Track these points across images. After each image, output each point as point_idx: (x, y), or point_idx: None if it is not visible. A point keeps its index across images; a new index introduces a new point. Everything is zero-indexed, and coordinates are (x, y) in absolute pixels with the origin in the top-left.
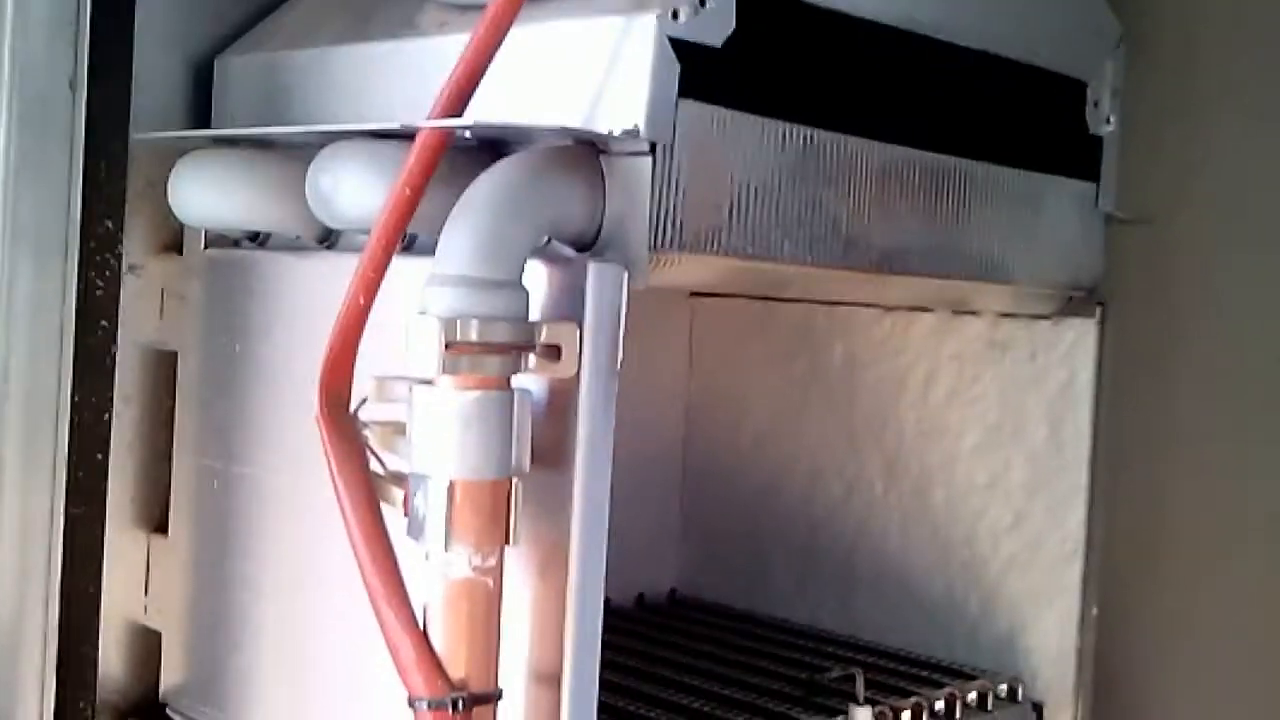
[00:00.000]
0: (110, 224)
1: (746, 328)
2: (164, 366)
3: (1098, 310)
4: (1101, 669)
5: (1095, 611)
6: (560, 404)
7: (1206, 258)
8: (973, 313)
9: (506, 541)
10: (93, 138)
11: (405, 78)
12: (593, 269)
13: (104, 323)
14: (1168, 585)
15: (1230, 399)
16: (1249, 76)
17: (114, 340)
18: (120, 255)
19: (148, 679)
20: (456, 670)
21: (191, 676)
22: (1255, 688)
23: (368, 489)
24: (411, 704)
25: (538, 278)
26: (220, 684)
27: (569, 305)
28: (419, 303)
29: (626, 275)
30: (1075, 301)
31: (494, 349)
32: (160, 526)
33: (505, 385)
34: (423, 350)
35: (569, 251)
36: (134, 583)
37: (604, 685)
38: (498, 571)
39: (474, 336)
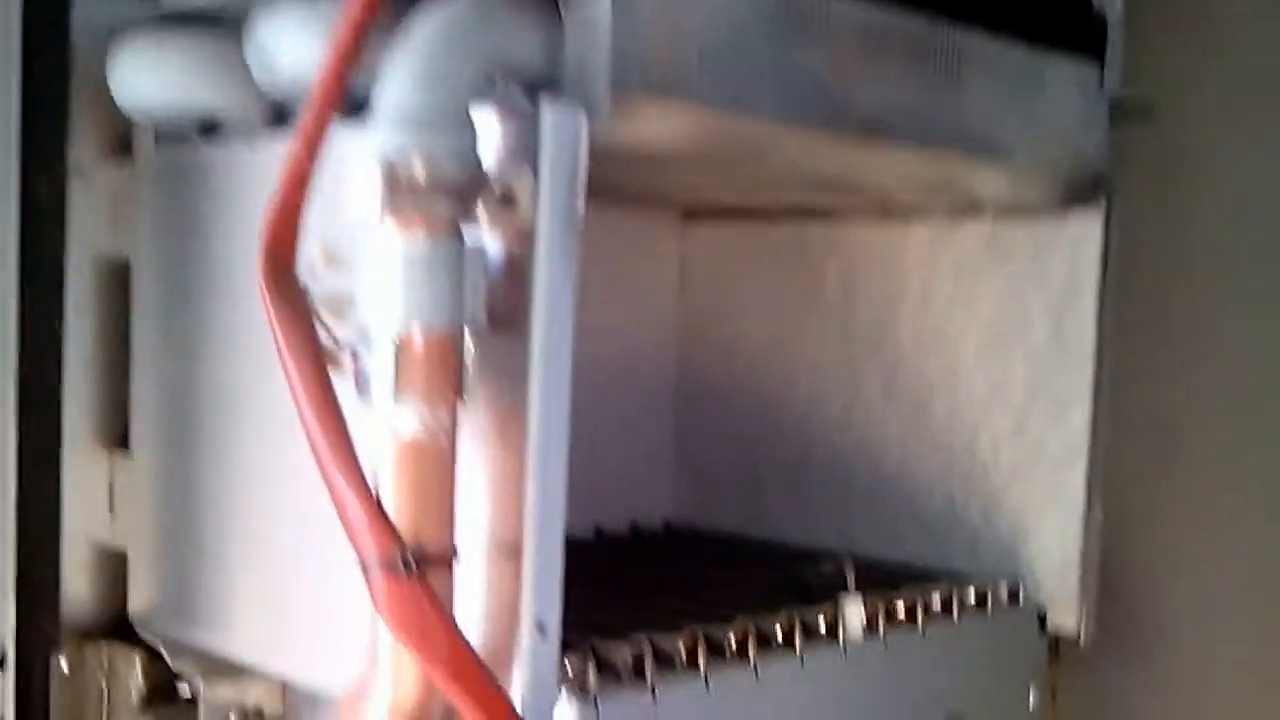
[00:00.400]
0: (52, 122)
1: (739, 251)
2: (119, 277)
3: (1103, 202)
4: (1107, 575)
5: (1100, 515)
6: (518, 261)
7: (1216, 146)
8: (971, 217)
9: (460, 399)
10: (31, 32)
11: None
12: (548, 111)
13: (51, 230)
14: (1175, 488)
15: (1241, 292)
16: None
17: (63, 248)
18: (66, 159)
19: (115, 601)
20: (409, 532)
21: (161, 595)
22: (1263, 592)
23: (314, 354)
24: (363, 569)
25: (489, 123)
26: (192, 599)
27: (524, 152)
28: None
29: (585, 119)
30: (1079, 192)
31: (441, 189)
32: (123, 443)
33: (455, 232)
34: (363, 191)
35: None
36: (98, 502)
37: (591, 601)
38: (450, 430)
39: (418, 175)
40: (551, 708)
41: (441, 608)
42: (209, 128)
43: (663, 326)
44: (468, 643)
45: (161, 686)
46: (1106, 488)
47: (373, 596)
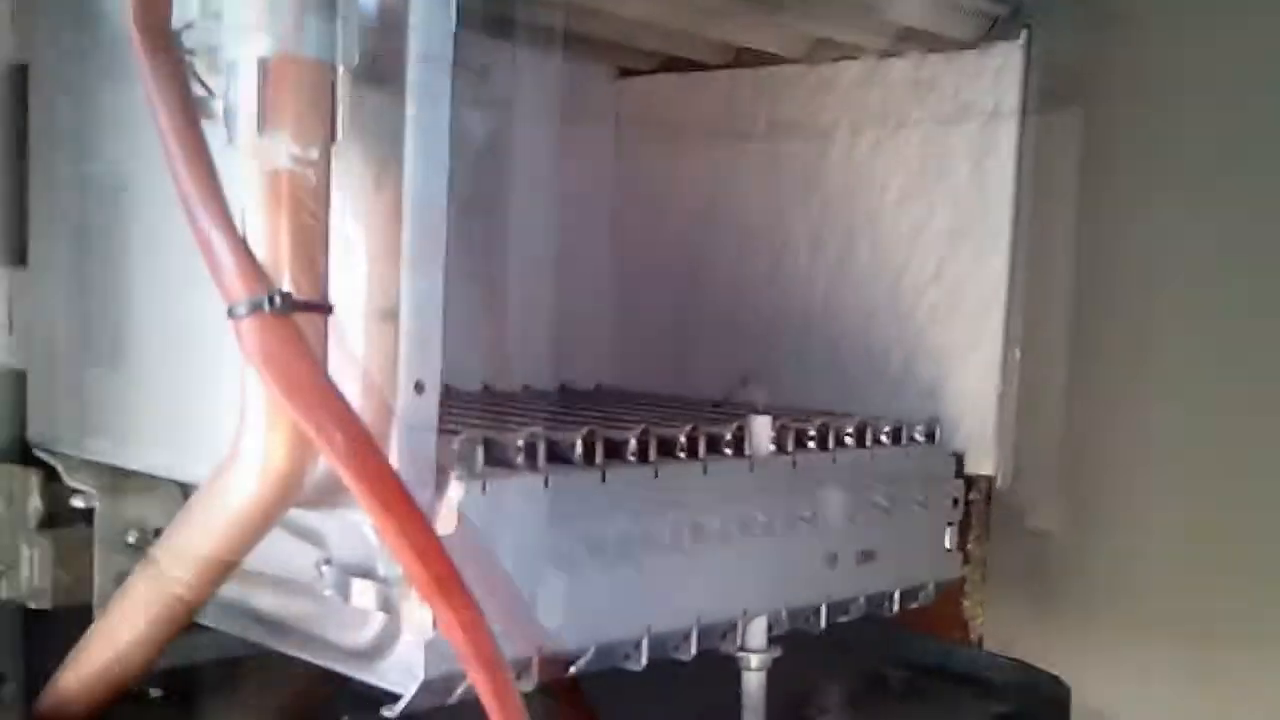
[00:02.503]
0: None
1: (672, 104)
2: (17, 84)
3: (1023, 33)
4: (1025, 422)
5: (1017, 359)
6: (394, 12)
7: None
8: (899, 55)
9: (332, 137)
10: None
11: None
12: None
13: None
14: (1094, 332)
15: (1167, 131)
16: None
17: None
18: None
19: (15, 423)
20: (279, 273)
21: (60, 411)
22: (1178, 430)
23: (182, 96)
24: (230, 313)
25: None
26: (92, 413)
27: None
28: None
29: None
30: (1000, 21)
31: None
32: (22, 261)
33: None
34: None
35: None
36: None
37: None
38: (323, 167)
39: None
40: (429, 471)
41: (310, 351)
42: None
43: (599, 187)
44: (337, 389)
45: (61, 508)
46: (1026, 329)
47: (240, 341)
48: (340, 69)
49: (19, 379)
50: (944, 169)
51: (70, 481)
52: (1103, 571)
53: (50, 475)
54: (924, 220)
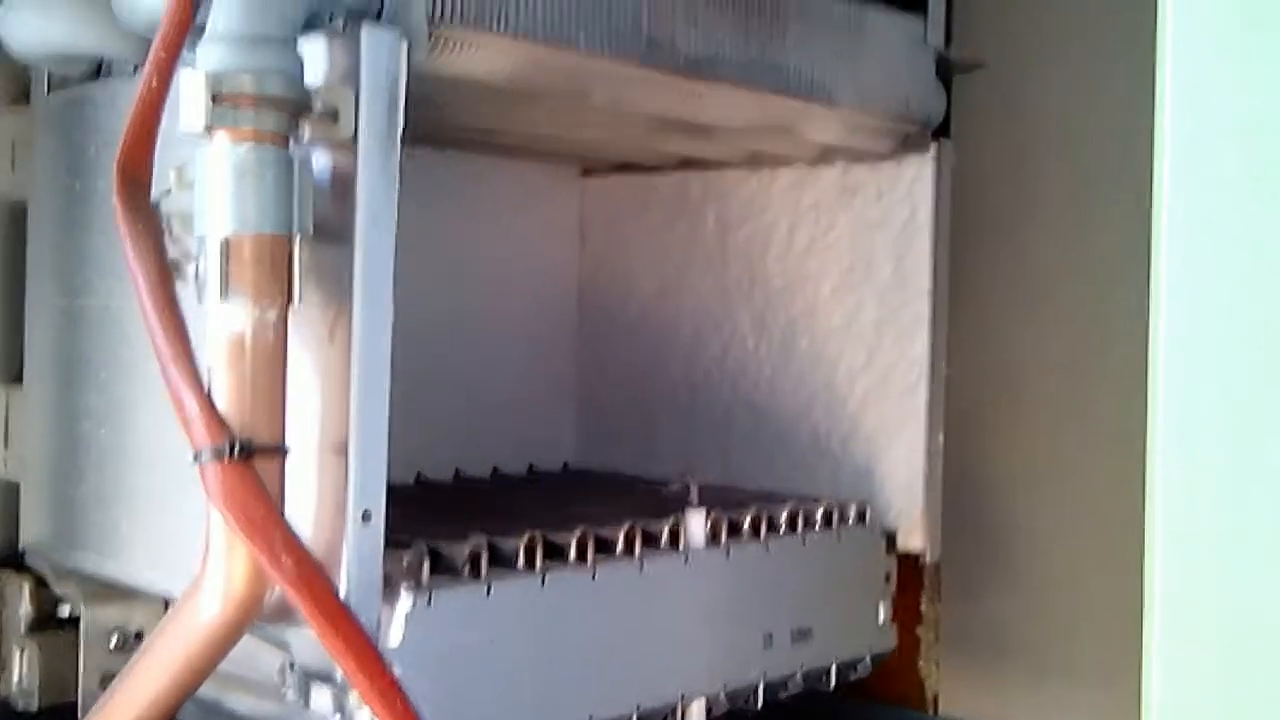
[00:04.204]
0: None
1: (631, 203)
2: (18, 218)
3: (933, 146)
4: (953, 498)
5: (941, 439)
6: (342, 174)
7: (1046, 96)
8: (826, 163)
9: (289, 300)
10: None
11: None
12: (368, 34)
13: None
14: (1019, 414)
15: (1076, 226)
16: None
17: None
18: None
19: (9, 532)
20: (238, 423)
21: (50, 523)
22: (1105, 510)
23: (159, 264)
24: (195, 458)
25: (317, 48)
26: (79, 526)
27: (348, 75)
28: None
29: (406, 44)
30: (912, 138)
31: (267, 103)
32: (19, 379)
33: (281, 144)
34: (191, 103)
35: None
36: None
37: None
38: (280, 327)
39: (245, 89)
40: (375, 593)
41: (265, 492)
42: (98, 71)
43: (564, 276)
44: (289, 525)
45: (49, 612)
46: (953, 414)
47: (204, 484)
48: (298, 237)
49: (13, 491)
50: (870, 267)
51: (57, 589)
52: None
53: (40, 582)
54: (854, 313)
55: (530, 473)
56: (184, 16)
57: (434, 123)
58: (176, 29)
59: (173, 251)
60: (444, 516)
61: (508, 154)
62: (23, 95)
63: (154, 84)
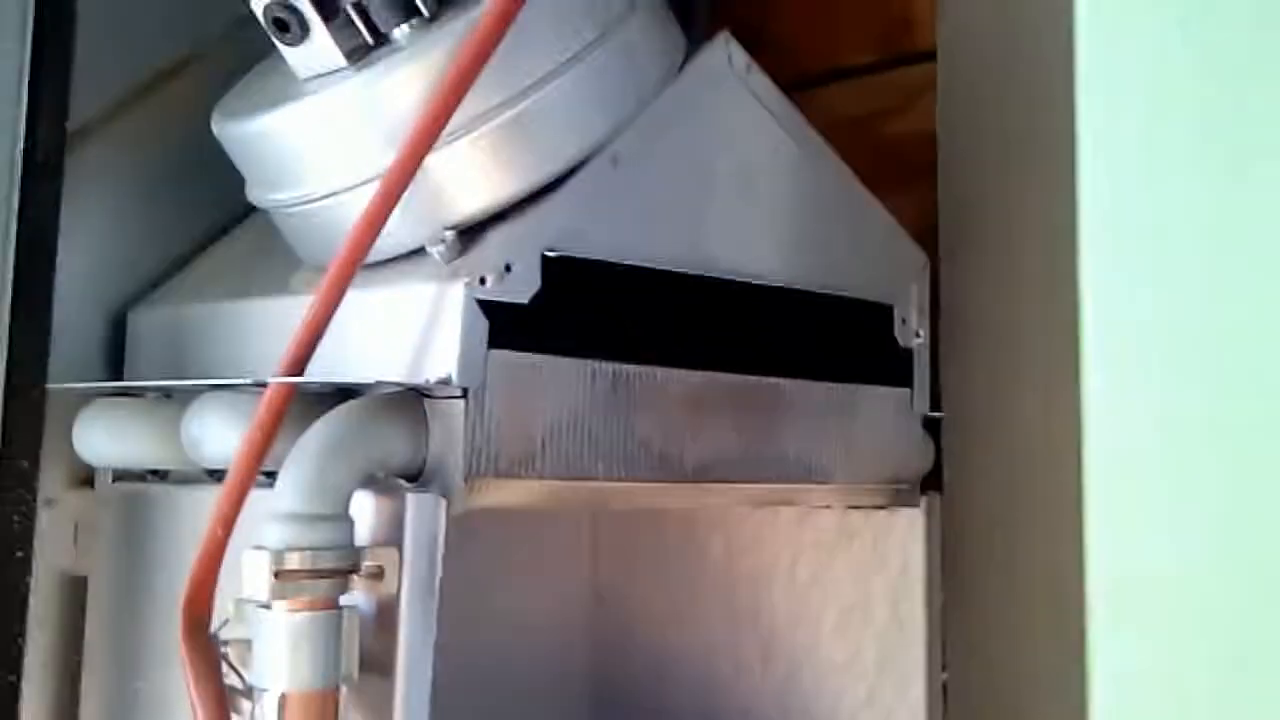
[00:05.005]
0: (26, 463)
1: (641, 534)
2: (77, 591)
3: (922, 501)
4: None
5: None
6: (386, 617)
7: (1027, 453)
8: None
9: None
10: (11, 383)
11: (278, 333)
12: (411, 499)
13: (19, 553)
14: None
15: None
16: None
17: (29, 569)
18: (36, 491)
19: None
20: None
21: None
22: None
23: (220, 700)
24: None
25: (365, 507)
26: None
27: (393, 531)
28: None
29: (445, 503)
30: (902, 494)
31: (320, 574)
32: None
33: (333, 605)
34: (255, 578)
35: (401, 483)
36: None
37: None
38: None
39: (300, 565)
40: None
41: None
42: (161, 472)
43: (577, 609)
44: None
45: None
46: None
47: None
48: (343, 688)
49: None
50: (868, 608)
51: None
52: None
53: None
54: (855, 651)
55: None
56: (248, 476)
57: None
58: (241, 486)
59: (229, 678)
60: None
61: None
62: (88, 481)
63: (219, 534)
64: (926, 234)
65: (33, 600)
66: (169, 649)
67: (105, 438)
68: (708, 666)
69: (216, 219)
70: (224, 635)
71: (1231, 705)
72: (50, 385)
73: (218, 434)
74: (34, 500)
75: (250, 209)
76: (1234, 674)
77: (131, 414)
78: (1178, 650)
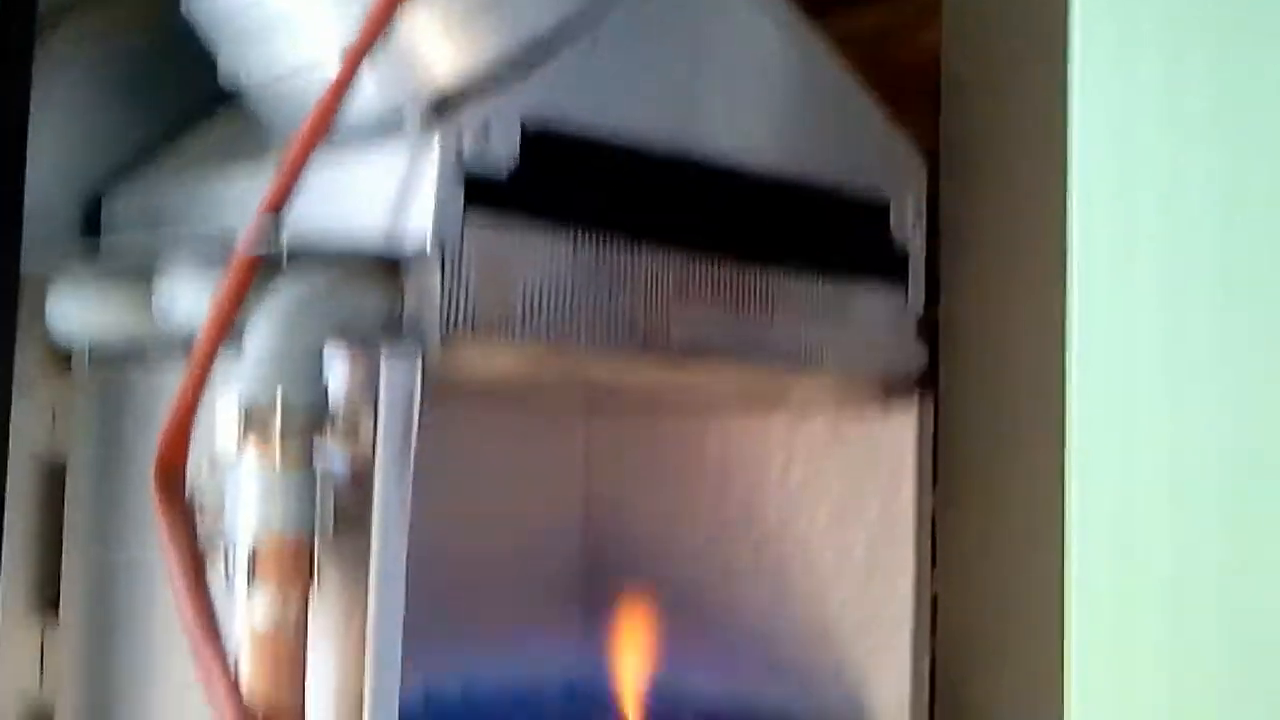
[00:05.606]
0: (2, 346)
1: (634, 443)
2: (58, 475)
3: (916, 398)
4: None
5: (926, 674)
6: (361, 474)
7: (1027, 345)
8: (819, 410)
9: (308, 595)
10: None
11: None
12: (386, 358)
13: None
14: (1002, 646)
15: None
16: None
17: (4, 453)
18: (10, 377)
19: None
20: (262, 707)
21: None
22: None
23: (191, 552)
24: None
25: (340, 366)
26: None
27: (368, 389)
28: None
29: (420, 362)
30: (895, 391)
31: (292, 429)
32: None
33: (306, 460)
34: (225, 431)
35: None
36: (29, 668)
37: None
38: (300, 622)
39: (269, 414)
40: None
41: None
42: (136, 352)
43: (569, 515)
44: None
45: None
46: (942, 644)
47: None
48: (317, 539)
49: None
50: (860, 508)
51: None
52: None
53: None
54: (846, 549)
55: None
56: (219, 336)
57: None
58: (211, 346)
59: (203, 531)
60: None
61: (515, 399)
62: (64, 364)
63: (191, 391)
64: (933, 159)
65: (10, 481)
66: (146, 521)
67: (78, 310)
68: (698, 570)
69: (190, 107)
70: (198, 499)
71: (1223, 614)
72: (25, 271)
73: (188, 301)
74: (9, 382)
75: (224, 97)
76: (1223, 587)
77: (104, 288)
78: (1159, 566)
